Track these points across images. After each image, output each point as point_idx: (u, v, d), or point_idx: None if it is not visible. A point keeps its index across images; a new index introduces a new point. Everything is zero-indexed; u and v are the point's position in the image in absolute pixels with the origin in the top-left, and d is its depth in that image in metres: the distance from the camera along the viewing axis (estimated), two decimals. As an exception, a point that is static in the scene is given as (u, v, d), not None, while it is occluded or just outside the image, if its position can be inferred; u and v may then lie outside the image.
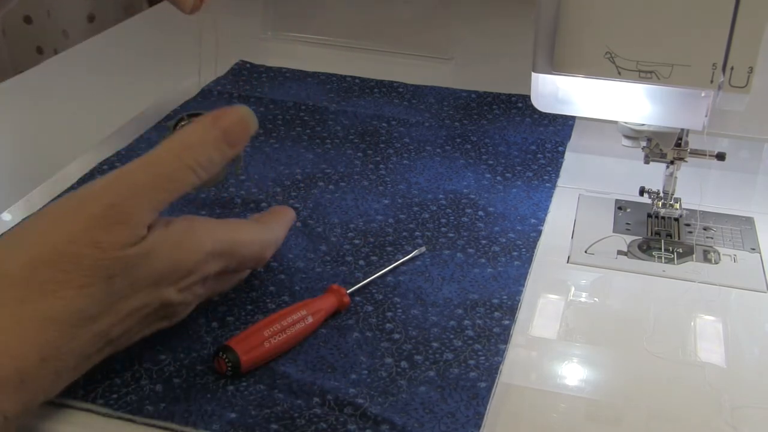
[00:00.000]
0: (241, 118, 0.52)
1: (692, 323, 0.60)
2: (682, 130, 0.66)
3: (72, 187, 0.72)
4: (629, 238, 0.69)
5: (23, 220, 0.51)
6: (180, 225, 0.50)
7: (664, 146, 0.67)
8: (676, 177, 0.69)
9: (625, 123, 0.67)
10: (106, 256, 0.46)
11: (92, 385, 0.51)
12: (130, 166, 0.49)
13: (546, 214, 0.71)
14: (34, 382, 0.45)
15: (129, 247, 0.46)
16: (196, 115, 0.56)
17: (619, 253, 0.67)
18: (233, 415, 0.49)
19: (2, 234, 0.48)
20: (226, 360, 0.51)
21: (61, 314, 0.45)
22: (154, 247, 0.48)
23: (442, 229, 0.68)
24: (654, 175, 0.71)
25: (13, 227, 0.48)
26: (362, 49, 1.05)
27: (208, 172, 0.50)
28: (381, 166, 0.78)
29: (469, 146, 0.81)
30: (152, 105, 0.88)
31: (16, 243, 0.47)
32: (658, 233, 0.69)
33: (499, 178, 0.76)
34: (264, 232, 0.57)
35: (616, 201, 0.74)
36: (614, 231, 0.70)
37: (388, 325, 0.57)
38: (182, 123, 0.56)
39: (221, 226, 0.53)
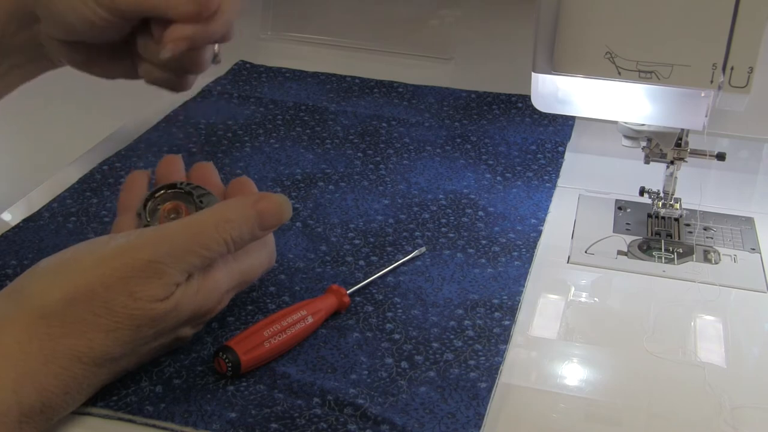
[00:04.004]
0: (278, 206, 0.54)
1: (692, 323, 0.60)
2: (682, 130, 0.66)
3: (72, 187, 0.73)
4: (629, 238, 0.69)
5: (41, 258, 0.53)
6: (198, 272, 0.51)
7: (664, 146, 0.67)
8: (676, 177, 0.69)
9: (625, 123, 0.67)
10: (137, 306, 0.48)
11: (92, 386, 0.51)
12: (172, 227, 0.50)
13: (546, 214, 0.71)
14: (55, 412, 0.47)
15: (158, 302, 0.48)
16: (172, 186, 0.56)
17: (619, 253, 0.67)
18: (233, 415, 0.49)
19: (41, 261, 0.50)
20: (226, 360, 0.51)
21: (87, 355, 0.47)
22: (179, 301, 0.49)
23: (443, 229, 0.68)
24: (654, 175, 0.71)
25: (52, 257, 0.49)
26: (362, 49, 1.05)
27: (236, 247, 0.52)
28: (381, 166, 0.78)
29: (469, 146, 0.81)
30: (152, 105, 0.88)
31: (55, 277, 0.48)
32: (658, 233, 0.69)
33: (499, 178, 0.76)
34: (268, 245, 0.57)
35: (616, 201, 0.74)
36: (614, 231, 0.70)
37: (388, 325, 0.57)
38: (159, 193, 0.56)
39: (234, 260, 0.54)
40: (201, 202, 0.55)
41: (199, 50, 0.56)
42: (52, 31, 0.58)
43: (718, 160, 0.68)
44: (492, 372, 0.53)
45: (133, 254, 0.48)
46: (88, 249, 0.49)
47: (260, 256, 0.55)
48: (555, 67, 0.61)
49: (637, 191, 0.71)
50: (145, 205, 0.55)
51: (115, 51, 0.59)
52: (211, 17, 0.55)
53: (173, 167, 0.59)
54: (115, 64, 0.60)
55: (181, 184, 0.56)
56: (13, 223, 0.67)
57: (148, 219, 0.55)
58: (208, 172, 0.59)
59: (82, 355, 0.47)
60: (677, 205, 0.70)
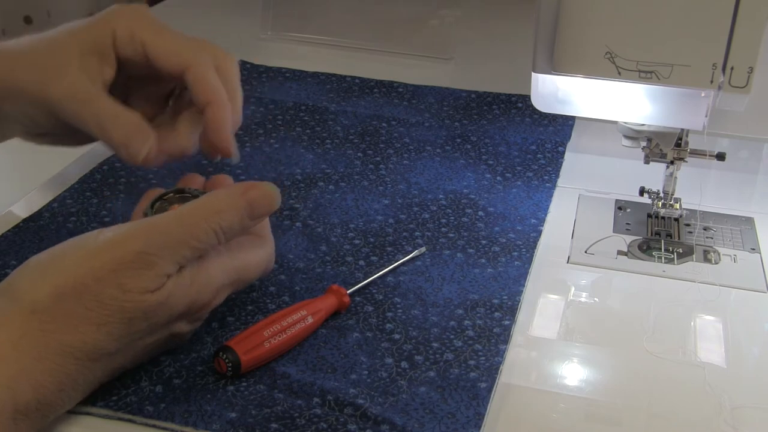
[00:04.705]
0: (267, 194, 0.53)
1: (692, 323, 0.60)
2: (682, 130, 0.66)
3: (72, 187, 0.73)
4: (629, 238, 0.69)
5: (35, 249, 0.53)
6: (191, 265, 0.51)
7: (664, 146, 0.67)
8: (676, 177, 0.69)
9: (625, 123, 0.67)
10: (127, 298, 0.47)
11: (92, 386, 0.51)
12: (163, 218, 0.50)
13: (546, 214, 0.71)
14: (51, 409, 0.47)
15: (149, 294, 0.48)
16: (181, 191, 0.57)
17: (619, 253, 0.67)
18: (233, 415, 0.49)
19: (32, 257, 0.50)
20: (226, 360, 0.51)
21: (80, 350, 0.47)
22: (171, 293, 0.49)
23: (443, 229, 0.68)
24: (654, 175, 0.71)
25: (42, 253, 0.49)
26: (362, 49, 1.05)
27: (227, 238, 0.51)
28: (381, 166, 0.78)
29: (469, 146, 0.81)
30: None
31: (44, 272, 0.48)
32: (658, 233, 0.69)
33: (499, 178, 0.76)
34: (267, 246, 0.57)
35: (616, 201, 0.74)
36: (614, 231, 0.70)
37: (388, 325, 0.57)
38: (168, 196, 0.56)
39: (229, 255, 0.53)
40: None
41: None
42: (12, 124, 0.58)
43: (718, 160, 0.68)
44: (492, 372, 0.53)
45: (122, 246, 0.48)
46: (77, 243, 0.49)
47: (257, 254, 0.55)
48: (555, 67, 0.61)
49: (637, 191, 0.71)
50: (152, 206, 0.55)
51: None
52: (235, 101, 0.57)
53: (192, 182, 0.60)
54: (82, 137, 0.60)
55: (190, 189, 0.57)
56: (13, 223, 0.67)
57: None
58: (224, 183, 0.60)
59: (74, 350, 0.47)
60: (677, 205, 0.70)
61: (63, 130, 0.57)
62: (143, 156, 0.55)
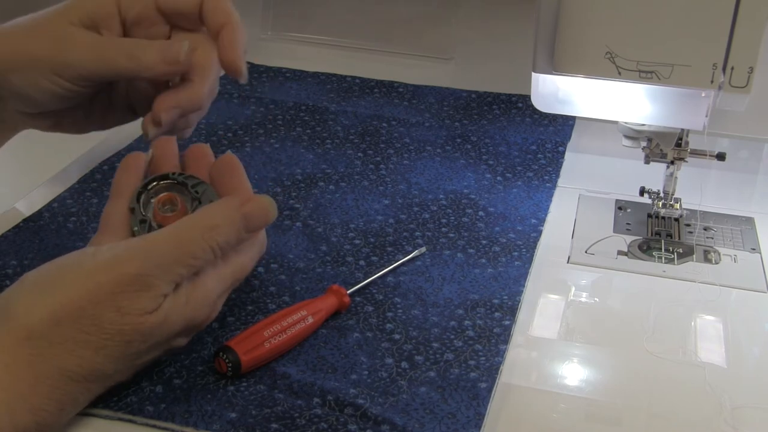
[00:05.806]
0: (263, 207, 0.53)
1: (692, 323, 0.60)
2: (682, 130, 0.66)
3: (72, 188, 0.73)
4: (629, 238, 0.69)
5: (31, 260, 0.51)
6: (186, 282, 0.50)
7: (664, 146, 0.67)
8: (676, 177, 0.69)
9: (625, 123, 0.67)
10: (126, 321, 0.47)
11: (93, 386, 0.51)
12: (158, 237, 0.49)
13: (546, 214, 0.71)
14: (51, 428, 0.47)
15: (147, 315, 0.48)
16: (164, 177, 0.55)
17: (619, 253, 0.67)
18: (233, 415, 0.49)
19: (27, 274, 0.49)
20: (227, 360, 0.51)
21: (78, 373, 0.47)
22: (168, 313, 0.49)
23: (443, 229, 0.68)
24: (654, 175, 0.71)
25: (37, 271, 0.49)
26: (362, 49, 1.05)
27: (223, 253, 0.51)
28: (381, 166, 0.78)
29: (469, 146, 0.81)
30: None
31: (40, 294, 0.47)
32: (659, 233, 0.69)
33: (499, 178, 0.76)
34: (259, 235, 0.56)
35: (616, 201, 0.74)
36: (614, 231, 0.70)
37: (388, 325, 0.57)
38: (152, 185, 0.55)
39: (224, 261, 0.53)
40: (196, 192, 0.55)
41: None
42: (17, 106, 0.57)
43: (718, 160, 0.68)
44: (492, 372, 0.53)
45: (120, 269, 0.47)
46: (73, 263, 0.48)
47: (251, 252, 0.54)
48: (555, 67, 0.61)
49: (637, 191, 0.71)
50: (138, 199, 0.54)
51: (84, 109, 0.58)
52: (200, 81, 0.54)
53: (167, 149, 0.58)
54: (85, 121, 0.60)
55: (174, 174, 0.55)
56: (13, 223, 0.67)
57: (143, 212, 0.54)
58: (203, 158, 0.58)
59: (72, 374, 0.46)
60: (677, 205, 0.70)
61: (72, 102, 0.56)
62: (185, 51, 0.53)
